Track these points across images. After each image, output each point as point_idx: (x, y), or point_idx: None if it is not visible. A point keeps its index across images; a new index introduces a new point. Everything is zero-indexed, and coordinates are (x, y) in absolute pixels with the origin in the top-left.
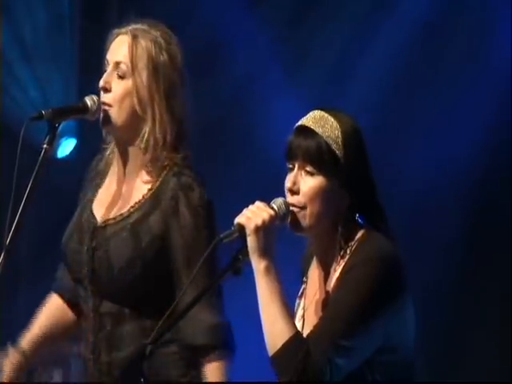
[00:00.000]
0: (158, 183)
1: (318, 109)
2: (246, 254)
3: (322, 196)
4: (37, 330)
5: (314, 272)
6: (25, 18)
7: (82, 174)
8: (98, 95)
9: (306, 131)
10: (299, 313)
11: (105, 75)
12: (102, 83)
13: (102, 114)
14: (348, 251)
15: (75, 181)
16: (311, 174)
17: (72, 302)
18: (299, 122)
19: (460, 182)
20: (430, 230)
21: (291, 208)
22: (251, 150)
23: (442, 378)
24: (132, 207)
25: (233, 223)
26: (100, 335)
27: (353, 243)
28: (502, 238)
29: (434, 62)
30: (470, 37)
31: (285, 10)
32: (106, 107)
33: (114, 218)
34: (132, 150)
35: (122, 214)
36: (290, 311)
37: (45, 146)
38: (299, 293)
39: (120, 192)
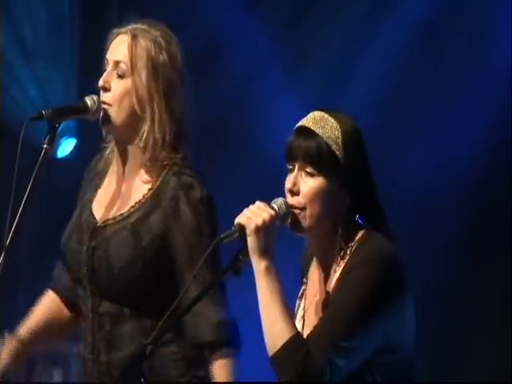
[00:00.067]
0: (158, 183)
1: (318, 109)
2: (247, 254)
3: (322, 197)
4: (33, 322)
5: (314, 273)
6: (25, 18)
7: (81, 173)
8: (98, 95)
9: (306, 132)
10: (299, 314)
11: (104, 74)
12: (101, 82)
13: (101, 113)
14: (348, 252)
15: (75, 181)
16: (311, 174)
17: (68, 301)
18: (299, 123)
19: (460, 182)
20: (430, 230)
21: (291, 209)
22: (251, 150)
23: (441, 378)
24: (132, 207)
25: (233, 223)
26: (99, 335)
27: (353, 244)
28: (502, 238)
29: (434, 62)
30: (470, 37)
31: (285, 10)
32: (106, 106)
33: (113, 218)
34: (131, 149)
35: (122, 214)
36: (290, 311)
37: (45, 145)
38: (299, 294)
39: (119, 191)
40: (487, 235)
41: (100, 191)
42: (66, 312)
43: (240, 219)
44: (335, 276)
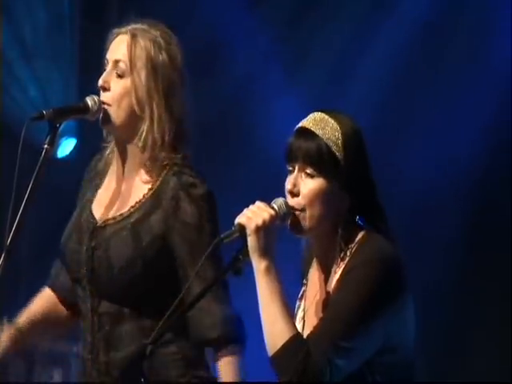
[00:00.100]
0: (158, 183)
1: (318, 110)
2: (247, 253)
3: (322, 198)
4: (31, 313)
5: (314, 274)
6: (25, 18)
7: (81, 173)
8: (99, 95)
9: (306, 133)
10: (299, 314)
11: (104, 74)
12: (100, 82)
13: (101, 113)
14: (348, 253)
15: (75, 181)
16: (311, 176)
17: (65, 300)
18: (299, 124)
19: (460, 181)
20: (430, 230)
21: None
22: (251, 150)
23: (442, 378)
24: (132, 207)
25: (233, 223)
26: (98, 335)
27: (353, 245)
28: (502, 238)
29: (434, 62)
30: (470, 37)
31: (285, 9)
32: (105, 106)
33: (113, 218)
34: (131, 149)
35: (122, 214)
36: (290, 311)
37: (46, 146)
38: (299, 295)
39: (119, 191)
40: (487, 235)
41: (100, 191)
42: (62, 310)
43: (240, 219)
44: (335, 277)
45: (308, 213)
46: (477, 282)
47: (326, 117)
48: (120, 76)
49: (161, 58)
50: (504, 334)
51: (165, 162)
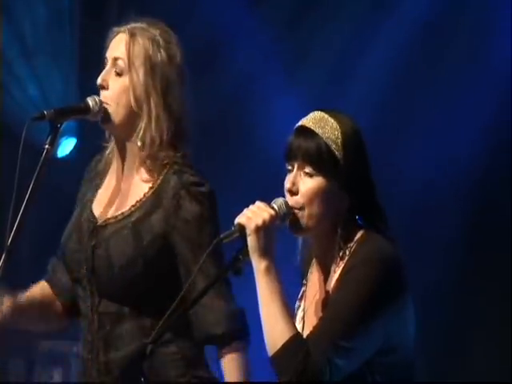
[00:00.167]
0: (159, 181)
1: (318, 110)
2: (247, 253)
3: (321, 197)
4: (29, 295)
5: (314, 274)
6: (25, 16)
7: (81, 173)
8: (99, 94)
9: (305, 132)
10: (299, 314)
11: (103, 73)
12: (99, 81)
13: (102, 113)
14: (347, 252)
15: (75, 181)
16: (310, 175)
17: (60, 295)
18: (299, 123)
19: (460, 182)
20: (430, 230)
21: (291, 211)
22: (251, 150)
23: (442, 378)
24: (133, 206)
25: (233, 223)
26: (99, 335)
27: (352, 244)
28: (502, 238)
29: (434, 62)
30: (470, 37)
31: (285, 9)
32: (105, 105)
33: (114, 217)
34: (130, 148)
35: (122, 213)
36: (290, 311)
37: (46, 146)
38: (299, 295)
39: (119, 190)
40: (487, 235)
41: (100, 191)
42: (57, 304)
43: (240, 219)
44: (334, 276)
45: (307, 211)
46: (477, 282)
47: (326, 116)
48: (118, 74)
49: (159, 56)
50: (504, 334)
51: (165, 161)
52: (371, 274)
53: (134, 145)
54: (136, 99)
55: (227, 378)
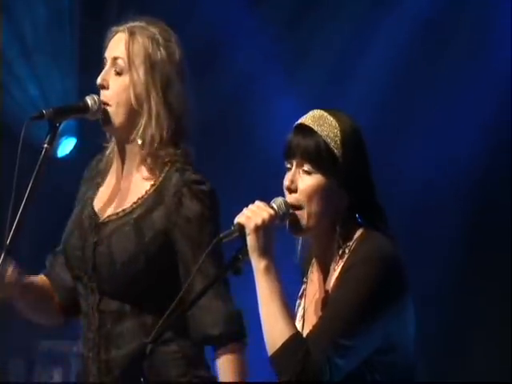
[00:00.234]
0: (160, 179)
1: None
2: (246, 253)
3: (320, 195)
4: (32, 278)
5: (314, 272)
6: (25, 16)
7: (81, 173)
8: (99, 94)
9: (304, 130)
10: (299, 313)
11: (102, 72)
12: (99, 80)
13: (102, 115)
14: (347, 251)
15: (75, 181)
16: (309, 172)
17: (57, 290)
18: (298, 121)
19: (460, 182)
20: (430, 230)
21: (290, 210)
22: (251, 150)
23: (442, 378)
24: (135, 203)
25: (233, 223)
26: (99, 333)
27: (351, 243)
28: (502, 238)
29: (434, 59)
30: (471, 34)
31: (285, 9)
32: (105, 106)
33: (116, 214)
34: (131, 147)
35: (124, 210)
36: (289, 311)
37: (45, 145)
38: (299, 293)
39: (120, 188)
40: (487, 235)
41: (101, 189)
42: (54, 298)
43: (240, 218)
44: (334, 275)
45: (306, 210)
46: (477, 282)
47: (325, 114)
48: (118, 73)
49: (159, 54)
50: (504, 334)
51: (166, 159)
52: (371, 272)
53: (135, 144)
54: (136, 98)
55: (222, 379)
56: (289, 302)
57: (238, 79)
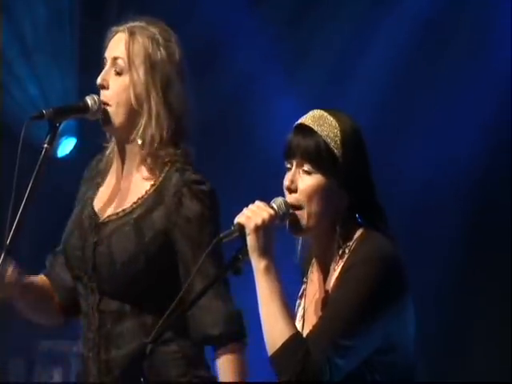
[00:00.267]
0: (160, 179)
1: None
2: (246, 253)
3: (320, 194)
4: (32, 278)
5: (314, 272)
6: (25, 16)
7: (81, 173)
8: (99, 94)
9: (304, 130)
10: (299, 313)
11: (102, 72)
12: (99, 80)
13: (102, 115)
14: (347, 251)
15: (75, 181)
16: (309, 172)
17: (57, 290)
18: (298, 121)
19: (460, 182)
20: (430, 230)
21: (290, 210)
22: (251, 150)
23: (442, 378)
24: (135, 203)
25: (233, 223)
26: (99, 333)
27: (351, 243)
28: (502, 238)
29: (434, 61)
30: (471, 34)
31: (285, 9)
32: (105, 106)
33: (116, 214)
34: (131, 147)
35: (124, 210)
36: (289, 311)
37: (45, 145)
38: (299, 293)
39: (120, 188)
40: (487, 235)
41: (101, 189)
42: (54, 297)
43: (240, 218)
44: (334, 275)
45: (306, 210)
46: (477, 282)
47: (325, 114)
48: (118, 73)
49: (159, 54)
50: (504, 334)
51: (166, 159)
52: (371, 272)
53: (135, 144)
54: (136, 97)
55: (222, 379)
56: (289, 302)
57: (238, 79)
